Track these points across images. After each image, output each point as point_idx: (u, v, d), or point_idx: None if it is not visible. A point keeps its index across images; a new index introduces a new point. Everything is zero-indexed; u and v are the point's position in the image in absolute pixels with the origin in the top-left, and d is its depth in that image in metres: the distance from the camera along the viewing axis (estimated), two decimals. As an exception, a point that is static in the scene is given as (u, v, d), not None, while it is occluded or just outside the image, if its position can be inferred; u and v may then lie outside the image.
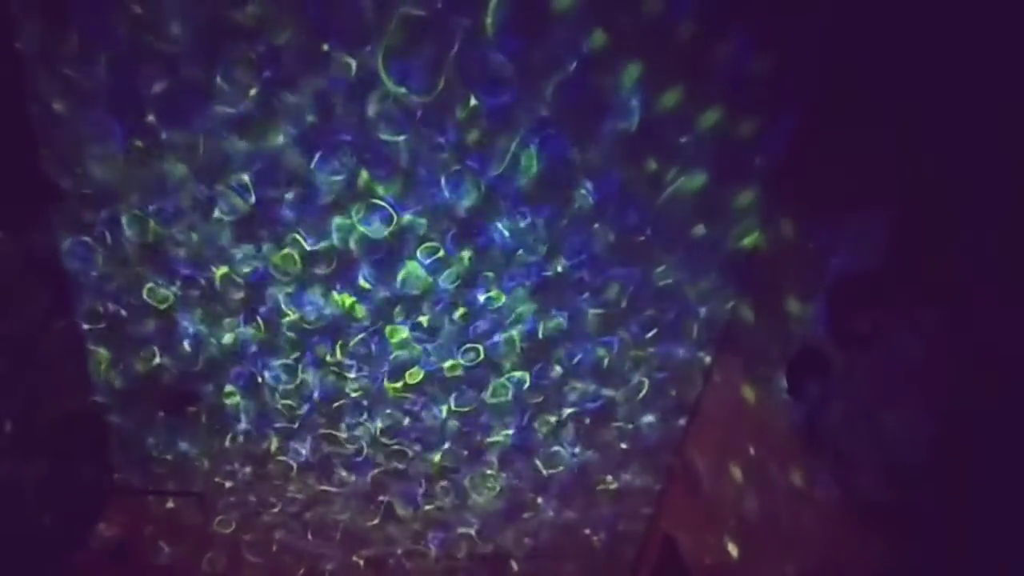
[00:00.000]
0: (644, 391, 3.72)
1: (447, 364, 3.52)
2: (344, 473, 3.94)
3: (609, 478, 4.14)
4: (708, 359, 3.63)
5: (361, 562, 4.49)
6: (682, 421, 3.91)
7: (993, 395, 1.86)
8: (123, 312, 3.20)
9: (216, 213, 2.93)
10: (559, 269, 3.21)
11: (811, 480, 2.79)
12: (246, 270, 3.11)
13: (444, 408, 3.69)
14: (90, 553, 3.95)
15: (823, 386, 2.67)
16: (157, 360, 3.36)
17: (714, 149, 2.90)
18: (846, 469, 2.54)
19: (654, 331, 3.48)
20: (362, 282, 3.19)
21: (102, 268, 3.06)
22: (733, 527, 3.45)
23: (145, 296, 3.15)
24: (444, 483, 4.06)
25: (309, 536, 4.25)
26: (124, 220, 2.92)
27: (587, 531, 4.48)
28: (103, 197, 2.87)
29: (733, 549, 3.47)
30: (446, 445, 3.85)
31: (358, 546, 4.39)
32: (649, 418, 3.85)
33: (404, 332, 3.38)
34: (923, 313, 2.15)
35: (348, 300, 3.23)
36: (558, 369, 3.58)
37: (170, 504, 3.92)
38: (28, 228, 2.79)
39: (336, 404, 3.62)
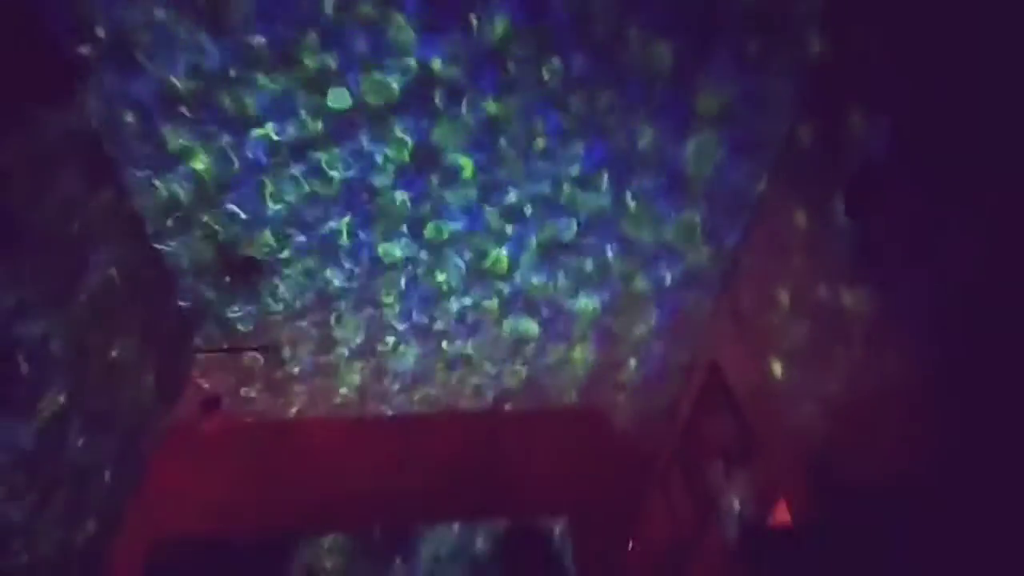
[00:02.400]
0: (694, 219, 3.67)
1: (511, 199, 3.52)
2: (402, 320, 4.17)
3: (654, 308, 4.26)
4: (761, 183, 3.50)
5: (417, 396, 4.91)
6: (731, 248, 3.89)
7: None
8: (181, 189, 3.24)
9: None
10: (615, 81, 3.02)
11: (860, 301, 2.81)
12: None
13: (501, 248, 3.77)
14: (188, 406, 4.42)
15: (881, 207, 2.57)
16: (219, 231, 3.46)
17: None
18: (897, 291, 2.53)
19: (704, 157, 3.33)
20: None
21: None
22: (778, 349, 3.57)
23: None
24: (490, 316, 4.26)
25: (372, 375, 4.63)
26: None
27: (632, 362, 4.72)
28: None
29: (777, 369, 3.63)
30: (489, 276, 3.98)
31: (419, 384, 4.78)
32: (699, 245, 3.84)
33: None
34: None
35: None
36: (605, 197, 3.53)
37: (248, 357, 4.28)
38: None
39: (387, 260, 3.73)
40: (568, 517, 6.21)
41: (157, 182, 3.20)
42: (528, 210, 3.53)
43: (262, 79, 2.82)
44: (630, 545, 6.66)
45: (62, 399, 2.86)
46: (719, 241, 3.80)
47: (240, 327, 4.07)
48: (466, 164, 3.26)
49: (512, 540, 5.98)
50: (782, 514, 3.97)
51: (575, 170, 3.33)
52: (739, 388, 4.15)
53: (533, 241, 3.71)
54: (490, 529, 6.07)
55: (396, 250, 3.68)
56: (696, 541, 5.06)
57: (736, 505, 4.19)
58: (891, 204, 2.53)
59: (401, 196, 3.39)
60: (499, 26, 2.72)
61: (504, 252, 3.77)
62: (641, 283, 4.05)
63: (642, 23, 2.76)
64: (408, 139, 3.11)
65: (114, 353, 3.24)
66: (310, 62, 2.77)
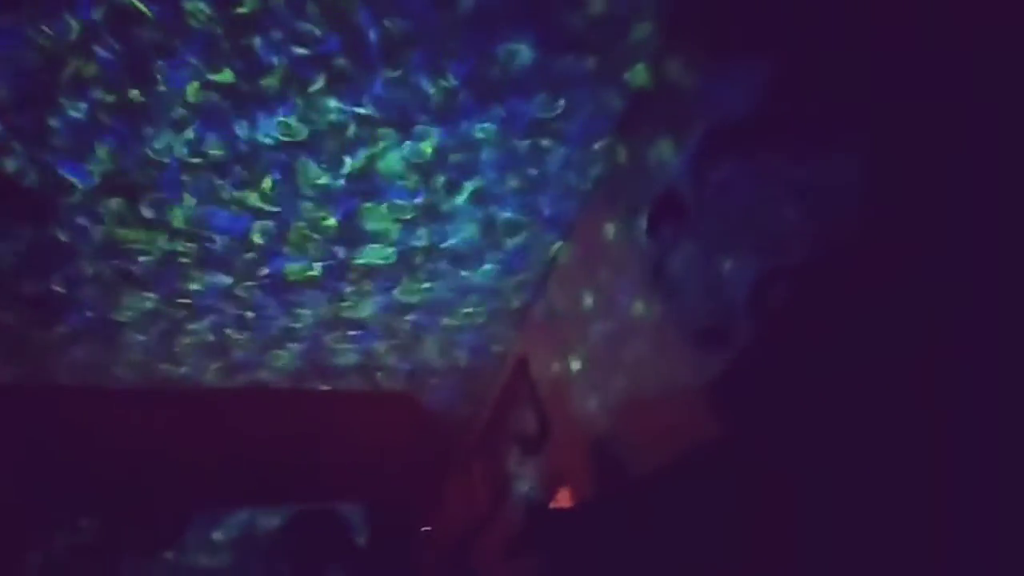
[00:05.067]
0: (521, 220, 3.84)
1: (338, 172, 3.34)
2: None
3: (479, 304, 4.37)
4: (581, 196, 3.78)
5: (215, 367, 4.49)
6: (549, 251, 4.14)
7: (819, 248, 2.16)
8: None
9: None
10: (442, 93, 3.03)
11: (652, 310, 3.16)
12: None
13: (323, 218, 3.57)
14: None
15: (676, 228, 2.91)
16: None
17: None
18: (682, 302, 2.88)
19: (529, 169, 3.51)
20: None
21: None
22: (578, 349, 3.88)
23: None
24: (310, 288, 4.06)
25: (163, 339, 4.13)
26: None
27: (448, 352, 4.80)
28: None
29: (575, 366, 3.93)
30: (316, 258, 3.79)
31: (219, 354, 4.37)
32: (518, 239, 4.02)
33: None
34: (788, 166, 2.35)
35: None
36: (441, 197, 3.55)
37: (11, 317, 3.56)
38: None
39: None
40: (367, 502, 6.13)
41: None
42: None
43: None
44: (425, 529, 6.77)
45: None
46: (542, 243, 4.02)
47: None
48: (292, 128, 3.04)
49: (305, 524, 5.74)
50: (565, 498, 4.33)
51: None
52: (542, 382, 4.43)
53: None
54: (283, 512, 5.76)
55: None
56: (487, 524, 5.30)
57: (526, 490, 4.46)
58: (686, 230, 2.87)
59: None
60: None
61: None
62: (464, 275, 4.13)
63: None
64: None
65: None
66: None
